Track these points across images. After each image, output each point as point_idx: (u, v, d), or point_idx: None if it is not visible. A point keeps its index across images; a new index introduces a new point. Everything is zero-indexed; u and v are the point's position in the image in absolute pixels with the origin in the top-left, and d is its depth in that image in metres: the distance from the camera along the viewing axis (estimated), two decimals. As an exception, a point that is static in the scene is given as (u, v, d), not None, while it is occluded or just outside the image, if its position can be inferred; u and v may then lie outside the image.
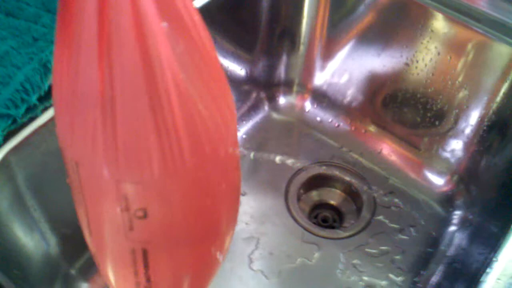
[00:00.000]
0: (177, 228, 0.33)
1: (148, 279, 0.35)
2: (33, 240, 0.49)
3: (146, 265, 0.34)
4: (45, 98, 0.47)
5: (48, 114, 0.46)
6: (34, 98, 0.46)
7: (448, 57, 0.60)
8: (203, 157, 0.30)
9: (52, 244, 0.51)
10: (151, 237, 0.33)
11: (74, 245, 0.53)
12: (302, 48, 0.70)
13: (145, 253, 0.33)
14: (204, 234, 0.36)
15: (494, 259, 0.42)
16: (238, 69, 0.69)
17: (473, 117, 0.61)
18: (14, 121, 0.45)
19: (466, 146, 0.63)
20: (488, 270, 0.41)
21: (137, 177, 0.29)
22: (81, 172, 0.30)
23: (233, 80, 0.68)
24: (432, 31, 0.59)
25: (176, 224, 0.33)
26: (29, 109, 0.46)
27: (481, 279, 0.40)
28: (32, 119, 0.46)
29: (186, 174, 0.30)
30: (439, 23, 0.58)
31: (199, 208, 0.33)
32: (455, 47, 0.59)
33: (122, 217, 0.31)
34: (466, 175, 0.64)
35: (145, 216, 0.31)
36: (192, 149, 0.29)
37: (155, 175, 0.29)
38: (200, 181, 0.31)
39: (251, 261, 0.58)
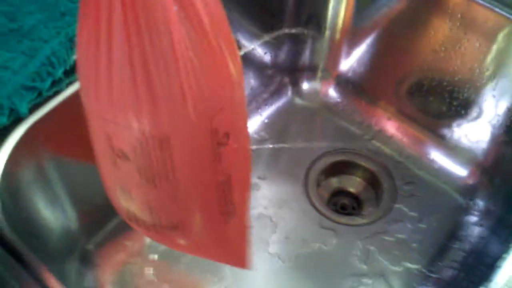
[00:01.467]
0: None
1: (231, 203, 0.38)
2: (53, 214, 0.50)
3: (230, 190, 0.37)
4: (71, 72, 0.47)
5: (73, 88, 0.47)
6: (59, 72, 0.47)
7: (477, 44, 0.58)
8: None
9: (72, 218, 0.53)
10: (233, 162, 0.35)
11: (92, 221, 0.54)
12: (327, 33, 0.69)
13: (229, 177, 0.36)
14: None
15: (505, 255, 0.41)
16: (262, 53, 0.69)
17: (500, 107, 0.59)
18: (40, 94, 0.46)
19: (492, 136, 0.61)
20: (504, 255, 0.40)
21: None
22: (172, 141, 0.32)
23: (257, 64, 0.69)
24: (461, 17, 0.58)
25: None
26: (54, 83, 0.47)
27: (497, 264, 0.39)
28: (57, 93, 0.46)
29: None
30: (469, 8, 0.57)
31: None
32: (484, 34, 0.57)
33: (213, 150, 0.33)
34: (490, 166, 0.62)
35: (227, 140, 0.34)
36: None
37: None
38: None
39: (267, 244, 0.59)
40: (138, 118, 0.31)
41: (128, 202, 0.38)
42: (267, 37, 0.68)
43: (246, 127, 0.37)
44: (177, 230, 0.39)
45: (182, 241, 0.41)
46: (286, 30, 0.69)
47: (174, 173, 0.34)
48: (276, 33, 0.69)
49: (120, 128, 0.32)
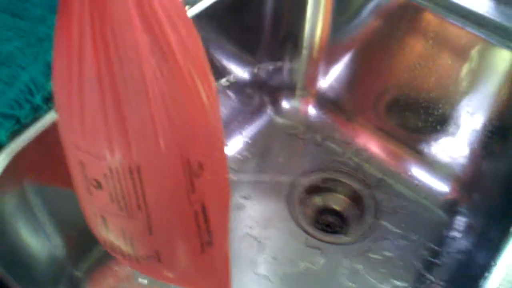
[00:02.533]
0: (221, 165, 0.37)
1: (209, 232, 0.37)
2: (38, 241, 0.49)
3: (206, 220, 0.36)
4: (50, 98, 0.46)
5: (52, 114, 0.46)
6: (38, 99, 0.46)
7: (451, 62, 0.60)
8: None
9: (57, 245, 0.51)
10: (208, 191, 0.35)
11: (79, 247, 0.53)
12: (305, 52, 0.70)
13: (204, 208, 0.35)
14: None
15: (493, 263, 0.42)
16: (241, 72, 0.69)
17: (476, 122, 0.61)
18: (18, 121, 0.45)
19: (469, 151, 0.63)
20: (486, 275, 0.40)
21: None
22: (143, 171, 0.32)
23: (237, 84, 0.68)
24: (434, 35, 0.59)
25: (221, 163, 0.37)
26: (33, 110, 0.46)
27: (480, 284, 0.40)
28: (36, 120, 0.45)
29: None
30: (440, 27, 0.58)
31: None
32: (457, 52, 0.59)
33: (186, 181, 0.33)
34: (469, 181, 0.64)
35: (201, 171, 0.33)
36: None
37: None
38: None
39: (254, 265, 0.58)
40: (108, 147, 0.31)
41: (106, 231, 0.37)
42: (245, 56, 0.68)
43: (222, 157, 0.37)
44: (155, 260, 0.38)
45: (163, 272, 0.40)
46: (264, 49, 0.69)
47: (146, 203, 0.34)
48: (254, 52, 0.69)
49: (92, 157, 0.32)
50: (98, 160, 0.32)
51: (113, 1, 0.28)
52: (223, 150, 0.37)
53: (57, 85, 0.32)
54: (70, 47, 0.29)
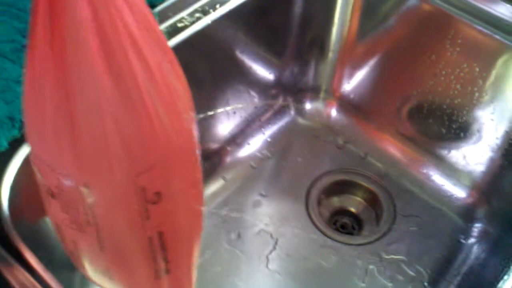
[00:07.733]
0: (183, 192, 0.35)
1: (167, 261, 0.37)
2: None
3: (163, 247, 0.36)
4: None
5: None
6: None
7: (476, 69, 0.59)
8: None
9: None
10: (168, 221, 0.35)
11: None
12: (331, 55, 0.71)
13: (160, 235, 0.35)
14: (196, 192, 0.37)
15: (509, 269, 0.41)
16: (267, 73, 0.70)
17: (499, 130, 0.60)
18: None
19: (490, 159, 0.62)
20: (505, 277, 0.40)
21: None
22: (93, 191, 0.32)
23: (261, 84, 0.70)
24: (460, 42, 0.59)
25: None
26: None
27: (498, 286, 0.40)
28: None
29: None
30: (468, 34, 0.58)
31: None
32: (483, 59, 0.59)
33: (139, 207, 0.33)
34: (488, 189, 0.63)
35: (159, 200, 0.33)
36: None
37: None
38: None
39: (268, 260, 0.59)
40: (59, 160, 0.31)
41: (62, 239, 0.38)
42: (271, 57, 0.70)
43: (193, 188, 0.36)
44: (108, 278, 0.38)
45: None
46: (290, 51, 0.70)
47: (97, 221, 0.33)
48: (280, 53, 0.70)
49: (45, 165, 0.32)
50: (50, 170, 0.32)
51: (73, 42, 0.27)
52: (195, 182, 0.36)
53: (24, 89, 0.31)
54: (33, 60, 0.29)
